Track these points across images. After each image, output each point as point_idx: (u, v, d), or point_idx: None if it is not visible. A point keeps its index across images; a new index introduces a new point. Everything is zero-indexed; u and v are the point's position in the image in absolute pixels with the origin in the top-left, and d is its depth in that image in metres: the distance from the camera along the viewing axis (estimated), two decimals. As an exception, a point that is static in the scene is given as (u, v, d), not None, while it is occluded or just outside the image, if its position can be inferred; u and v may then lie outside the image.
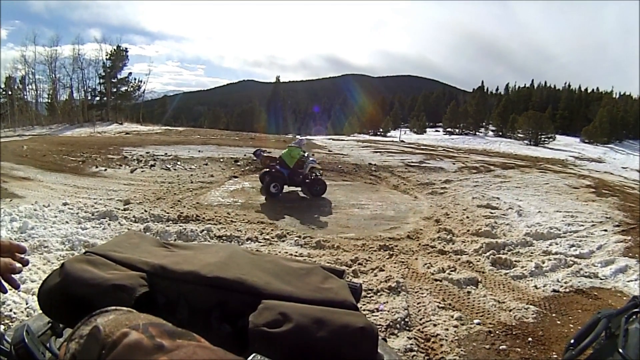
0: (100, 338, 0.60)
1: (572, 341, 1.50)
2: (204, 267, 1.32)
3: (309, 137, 38.17)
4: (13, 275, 1.26)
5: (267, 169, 12.47)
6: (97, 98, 49.14)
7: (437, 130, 68.37)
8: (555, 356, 5.06)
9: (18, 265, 1.25)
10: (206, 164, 16.78)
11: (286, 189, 12.46)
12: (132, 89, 51.49)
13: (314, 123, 77.39)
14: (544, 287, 7.01)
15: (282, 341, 1.08)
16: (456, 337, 5.29)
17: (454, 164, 20.89)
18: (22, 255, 1.31)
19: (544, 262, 7.88)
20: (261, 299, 1.21)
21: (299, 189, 12.89)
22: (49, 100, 48.49)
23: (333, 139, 37.80)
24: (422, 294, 6.39)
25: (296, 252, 7.93)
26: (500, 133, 61.75)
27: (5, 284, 1.25)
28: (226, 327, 1.21)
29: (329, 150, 24.16)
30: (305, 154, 12.75)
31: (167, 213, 9.55)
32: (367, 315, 1.31)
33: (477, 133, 63.19)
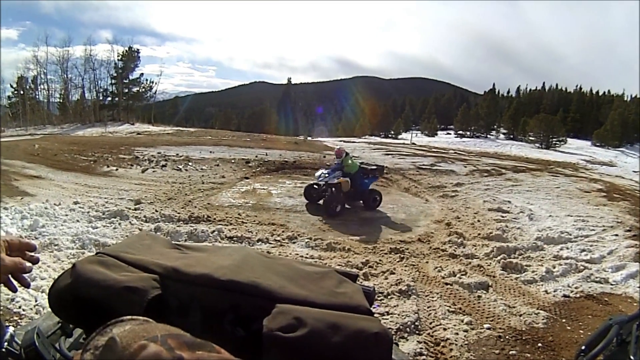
0: (116, 350, 0.58)
1: (583, 347, 1.49)
2: (218, 270, 1.32)
3: (318, 138, 38.22)
4: (23, 274, 1.26)
5: None
6: (109, 98, 49.44)
7: (448, 133, 68.11)
8: (565, 362, 5.04)
9: (28, 264, 1.24)
10: (217, 165, 16.82)
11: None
12: (143, 89, 51.72)
13: (324, 124, 77.16)
14: (554, 292, 6.97)
15: (297, 346, 1.08)
16: (466, 342, 5.27)
17: (465, 167, 20.78)
18: (32, 253, 1.30)
19: (554, 267, 7.84)
20: (275, 303, 1.21)
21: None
22: (61, 100, 49.01)
23: (344, 141, 37.75)
24: (433, 297, 6.38)
25: (307, 254, 7.93)
26: (512, 136, 61.37)
27: (16, 283, 1.24)
28: (240, 331, 1.21)
29: (340, 152, 24.09)
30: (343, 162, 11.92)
31: (178, 213, 9.58)
32: (380, 320, 1.31)
33: (489, 136, 62.85)
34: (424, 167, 19.90)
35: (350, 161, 11.93)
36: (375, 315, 1.33)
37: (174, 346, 0.58)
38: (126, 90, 49.82)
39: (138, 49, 52.12)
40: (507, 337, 5.47)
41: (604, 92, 75.49)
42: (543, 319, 5.99)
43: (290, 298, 1.25)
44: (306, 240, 8.61)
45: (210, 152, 19.75)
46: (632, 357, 1.30)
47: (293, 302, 1.22)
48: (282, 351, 1.07)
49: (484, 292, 6.76)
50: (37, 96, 48.36)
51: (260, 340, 1.09)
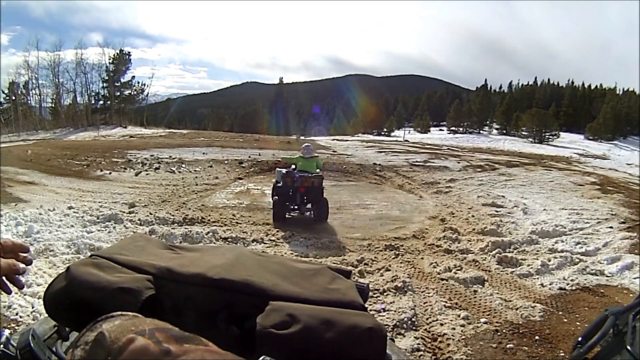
0: (105, 344, 0.59)
1: (579, 339, 1.50)
2: (211, 269, 1.31)
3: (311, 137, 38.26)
4: (17, 276, 1.26)
5: None
6: (101, 102, 49.28)
7: (441, 130, 68.26)
8: (562, 354, 5.04)
9: (22, 265, 1.24)
10: (210, 166, 16.82)
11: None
12: (135, 92, 51.64)
13: (317, 123, 77.22)
14: (550, 285, 6.98)
15: (290, 342, 1.07)
16: (463, 337, 5.27)
17: (458, 162, 20.86)
18: (26, 255, 1.29)
19: (550, 260, 7.84)
20: (268, 301, 1.20)
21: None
22: (53, 105, 48.76)
23: (337, 140, 37.79)
24: (429, 293, 6.37)
25: (302, 252, 7.93)
26: (505, 131, 61.73)
27: (10, 285, 1.24)
28: (233, 329, 1.20)
29: (333, 151, 24.12)
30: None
31: (173, 215, 9.56)
32: (373, 316, 1.32)
33: (481, 131, 63.17)
34: (417, 163, 19.96)
35: (299, 161, 10.56)
36: (370, 311, 1.33)
37: (162, 339, 0.58)
38: (118, 94, 49.69)
39: (129, 52, 52.11)
40: (504, 330, 5.47)
41: (596, 86, 75.87)
42: (539, 312, 5.99)
43: (283, 295, 1.24)
44: (301, 239, 8.60)
45: (203, 153, 19.75)
46: (628, 347, 1.31)
47: (286, 300, 1.22)
48: (276, 348, 1.06)
49: (480, 286, 6.76)
50: (29, 101, 48.14)
51: (254, 338, 1.09)
